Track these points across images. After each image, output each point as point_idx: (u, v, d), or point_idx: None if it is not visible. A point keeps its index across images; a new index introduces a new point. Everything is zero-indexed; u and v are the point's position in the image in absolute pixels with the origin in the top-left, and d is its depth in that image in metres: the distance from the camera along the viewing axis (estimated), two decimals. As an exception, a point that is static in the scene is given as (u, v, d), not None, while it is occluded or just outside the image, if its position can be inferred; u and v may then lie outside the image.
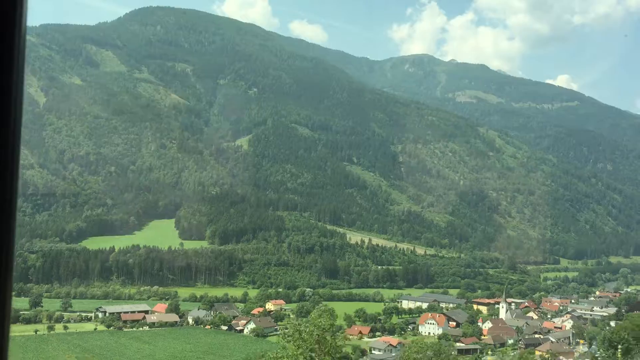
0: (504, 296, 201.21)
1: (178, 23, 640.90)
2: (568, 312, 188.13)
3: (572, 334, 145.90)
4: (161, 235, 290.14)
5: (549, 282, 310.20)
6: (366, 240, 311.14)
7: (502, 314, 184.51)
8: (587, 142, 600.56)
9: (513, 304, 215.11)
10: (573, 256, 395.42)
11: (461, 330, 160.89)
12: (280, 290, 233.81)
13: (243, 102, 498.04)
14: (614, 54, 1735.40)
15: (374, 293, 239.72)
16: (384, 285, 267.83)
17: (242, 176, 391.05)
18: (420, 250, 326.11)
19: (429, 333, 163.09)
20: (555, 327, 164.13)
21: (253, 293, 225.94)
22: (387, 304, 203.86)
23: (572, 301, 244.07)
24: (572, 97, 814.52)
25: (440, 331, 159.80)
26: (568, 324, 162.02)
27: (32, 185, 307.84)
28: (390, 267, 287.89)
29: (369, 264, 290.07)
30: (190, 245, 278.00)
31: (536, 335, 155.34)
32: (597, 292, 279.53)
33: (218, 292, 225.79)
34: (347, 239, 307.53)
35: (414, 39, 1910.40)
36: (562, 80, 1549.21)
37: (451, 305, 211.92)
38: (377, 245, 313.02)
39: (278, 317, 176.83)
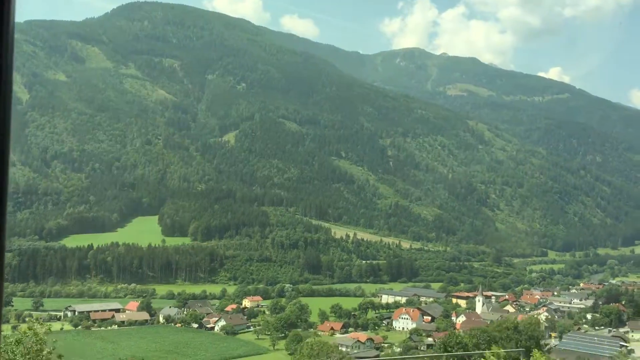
0: (480, 289, 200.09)
1: (166, 18, 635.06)
2: (544, 305, 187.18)
3: (545, 327, 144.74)
4: (144, 232, 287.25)
5: (533, 274, 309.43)
6: (351, 235, 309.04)
7: (479, 308, 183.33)
8: (577, 135, 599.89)
9: (493, 297, 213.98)
10: (561, 248, 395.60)
11: (435, 325, 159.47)
12: (261, 286, 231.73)
13: (231, 97, 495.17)
14: (605, 47, 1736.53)
15: (355, 288, 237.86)
16: (368, 280, 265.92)
17: (228, 172, 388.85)
18: (406, 244, 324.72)
19: (403, 328, 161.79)
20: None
21: (232, 289, 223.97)
22: (364, 299, 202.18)
23: (555, 293, 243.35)
24: (563, 90, 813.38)
25: (413, 326, 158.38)
26: (543, 317, 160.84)
27: (14, 183, 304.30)
28: (375, 262, 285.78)
29: (353, 258, 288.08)
30: (173, 241, 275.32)
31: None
32: (581, 284, 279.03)
33: (197, 289, 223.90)
34: (332, 234, 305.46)
35: (405, 33, 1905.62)
36: (554, 73, 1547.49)
37: (431, 299, 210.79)
38: (362, 239, 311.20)
39: (252, 314, 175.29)
